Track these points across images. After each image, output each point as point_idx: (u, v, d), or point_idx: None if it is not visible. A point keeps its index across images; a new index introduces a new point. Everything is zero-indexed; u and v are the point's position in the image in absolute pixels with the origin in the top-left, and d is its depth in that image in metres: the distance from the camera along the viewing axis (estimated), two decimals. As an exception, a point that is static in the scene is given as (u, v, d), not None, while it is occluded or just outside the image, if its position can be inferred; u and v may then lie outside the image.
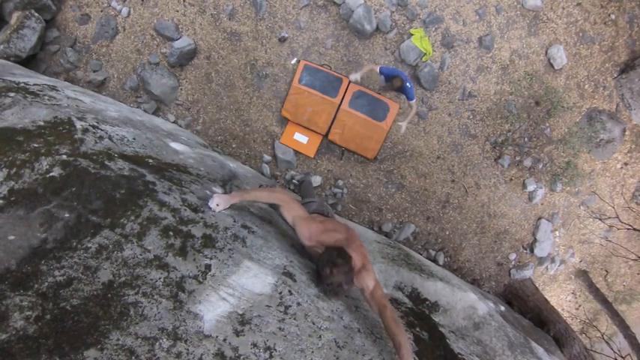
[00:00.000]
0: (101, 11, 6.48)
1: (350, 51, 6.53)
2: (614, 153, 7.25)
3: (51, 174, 2.67)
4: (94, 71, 6.54)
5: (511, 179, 7.05)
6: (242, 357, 2.08)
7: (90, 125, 3.36)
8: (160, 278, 2.25)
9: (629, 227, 6.73)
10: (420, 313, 3.84)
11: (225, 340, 2.11)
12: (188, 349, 1.99)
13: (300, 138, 6.65)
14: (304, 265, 3.09)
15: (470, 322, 4.22)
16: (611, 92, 7.04)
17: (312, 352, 2.32)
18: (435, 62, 6.50)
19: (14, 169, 2.65)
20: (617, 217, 6.70)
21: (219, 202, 2.87)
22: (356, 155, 6.70)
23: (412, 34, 6.34)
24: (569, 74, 6.87)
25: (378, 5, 6.39)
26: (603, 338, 7.08)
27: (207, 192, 3.19)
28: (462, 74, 6.56)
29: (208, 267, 2.44)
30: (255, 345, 2.17)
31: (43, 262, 2.16)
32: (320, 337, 2.44)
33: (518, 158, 6.97)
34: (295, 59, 6.54)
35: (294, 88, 6.41)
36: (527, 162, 6.99)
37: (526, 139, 6.91)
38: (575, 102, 6.94)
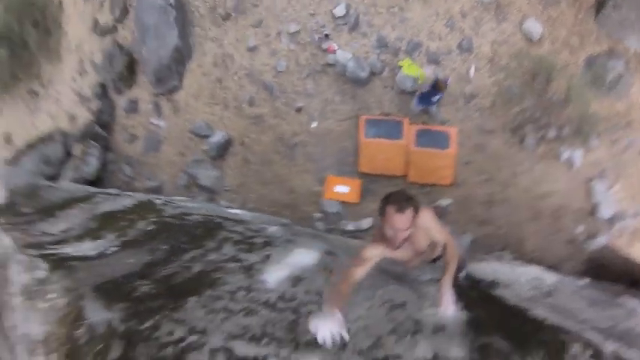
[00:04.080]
0: (144, 129, 7.86)
1: (357, 100, 7.40)
2: (630, 87, 7.14)
3: (147, 229, 3.60)
4: (148, 179, 7.71)
5: (543, 155, 7.16)
6: (297, 298, 2.66)
7: (165, 201, 4.35)
8: (235, 265, 2.95)
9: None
10: (477, 290, 3.95)
11: (285, 290, 2.74)
12: (258, 295, 2.63)
13: (341, 189, 7.30)
14: (343, 250, 3.66)
15: (538, 291, 4.16)
16: (598, 34, 7.17)
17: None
18: (430, 81, 7.07)
19: (120, 231, 3.60)
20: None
21: (330, 328, 2.29)
22: (391, 183, 7.18)
23: (401, 66, 7.17)
24: (551, 39, 7.19)
25: (364, 53, 7.34)
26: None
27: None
28: (457, 81, 7.19)
29: (268, 256, 3.12)
30: (307, 292, 2.76)
31: (154, 268, 2.92)
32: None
33: (541, 134, 7.12)
34: (316, 122, 7.45)
35: (363, 144, 7.18)
36: (552, 133, 7.09)
37: (539, 112, 7.12)
38: (568, 59, 7.16)
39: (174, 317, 2.20)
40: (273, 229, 3.69)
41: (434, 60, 7.22)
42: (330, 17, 7.42)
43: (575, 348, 2.48)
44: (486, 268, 4.46)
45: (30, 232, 4.10)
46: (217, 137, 7.50)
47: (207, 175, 7.45)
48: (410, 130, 7.05)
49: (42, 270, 2.92)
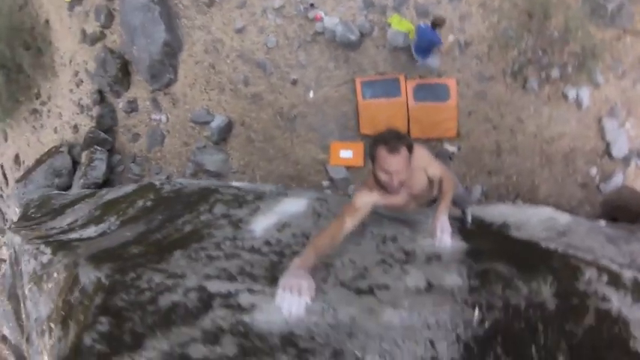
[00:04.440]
0: (145, 126, 7.93)
1: (350, 64, 7.32)
2: (632, 16, 6.77)
3: (145, 205, 3.61)
4: (157, 174, 7.79)
5: (549, 97, 6.93)
6: (282, 241, 2.55)
7: (165, 181, 4.36)
8: (224, 221, 2.90)
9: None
10: (488, 232, 3.67)
11: (270, 235, 2.62)
12: (243, 243, 2.54)
13: (346, 154, 7.27)
14: (335, 199, 3.57)
15: (552, 232, 3.76)
16: (595, -38, 6.79)
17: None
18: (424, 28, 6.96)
19: (121, 212, 3.62)
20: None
21: (300, 290, 1.86)
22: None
23: (390, 23, 7.06)
24: (545, -29, 6.87)
25: (351, 16, 7.26)
26: None
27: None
28: (450, 30, 6.99)
29: (258, 208, 3.06)
30: (294, 235, 2.68)
31: (148, 235, 2.91)
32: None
33: (543, 74, 6.90)
34: (312, 92, 7.40)
35: (362, 105, 7.17)
36: (555, 73, 6.84)
37: (540, 52, 6.90)
38: None
39: (156, 268, 2.17)
40: (266, 188, 3.65)
41: (423, 12, 7.07)
42: (313, -15, 7.35)
43: (590, 273, 2.25)
44: (494, 211, 4.20)
45: (39, 229, 4.16)
46: (218, 121, 7.54)
47: (212, 159, 7.49)
48: (407, 86, 6.97)
49: (46, 255, 2.95)
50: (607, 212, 6.65)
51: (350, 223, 2.33)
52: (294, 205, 3.04)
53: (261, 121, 7.57)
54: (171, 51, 8.03)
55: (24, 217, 6.46)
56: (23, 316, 3.32)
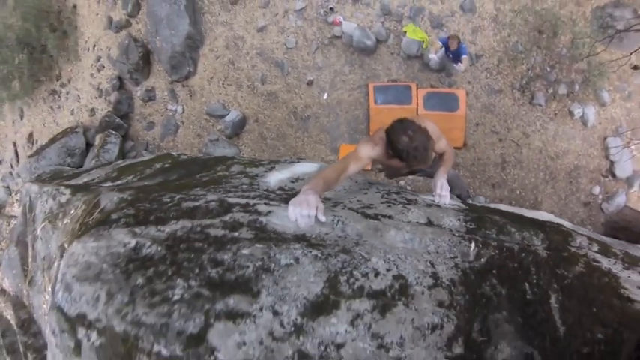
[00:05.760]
0: (161, 115, 8.16)
1: (365, 69, 7.55)
2: None
3: (163, 167, 3.91)
4: None
5: (555, 113, 7.13)
6: (295, 189, 2.78)
7: (181, 152, 4.63)
8: (242, 175, 3.16)
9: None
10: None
11: (284, 185, 2.88)
12: (259, 186, 2.84)
13: (355, 157, 7.43)
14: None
15: None
16: (603, -17, 6.99)
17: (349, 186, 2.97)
18: (435, 45, 7.25)
19: (138, 173, 3.88)
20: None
21: (309, 203, 2.00)
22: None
23: (406, 32, 7.32)
24: (556, -10, 7.07)
25: (369, 22, 7.52)
26: None
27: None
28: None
29: (273, 168, 3.30)
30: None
31: (167, 183, 3.17)
32: (356, 181, 3.08)
33: (551, 90, 7.11)
34: (327, 94, 7.64)
35: (373, 110, 7.41)
36: (562, 89, 7.04)
37: (548, 68, 7.12)
38: (574, 11, 7.10)
39: (178, 192, 2.46)
40: (280, 159, 3.92)
41: (438, 24, 7.32)
42: (334, -10, 7.61)
43: (581, 239, 2.40)
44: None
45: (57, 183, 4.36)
46: (232, 116, 7.80)
47: (224, 153, 7.70)
48: (419, 94, 7.19)
49: (65, 195, 3.10)
50: (609, 233, 6.64)
51: (352, 168, 2.47)
52: (307, 167, 3.29)
53: (274, 119, 7.81)
54: (193, 44, 8.30)
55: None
56: (30, 260, 3.42)
